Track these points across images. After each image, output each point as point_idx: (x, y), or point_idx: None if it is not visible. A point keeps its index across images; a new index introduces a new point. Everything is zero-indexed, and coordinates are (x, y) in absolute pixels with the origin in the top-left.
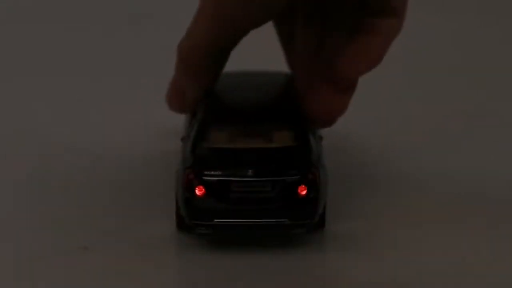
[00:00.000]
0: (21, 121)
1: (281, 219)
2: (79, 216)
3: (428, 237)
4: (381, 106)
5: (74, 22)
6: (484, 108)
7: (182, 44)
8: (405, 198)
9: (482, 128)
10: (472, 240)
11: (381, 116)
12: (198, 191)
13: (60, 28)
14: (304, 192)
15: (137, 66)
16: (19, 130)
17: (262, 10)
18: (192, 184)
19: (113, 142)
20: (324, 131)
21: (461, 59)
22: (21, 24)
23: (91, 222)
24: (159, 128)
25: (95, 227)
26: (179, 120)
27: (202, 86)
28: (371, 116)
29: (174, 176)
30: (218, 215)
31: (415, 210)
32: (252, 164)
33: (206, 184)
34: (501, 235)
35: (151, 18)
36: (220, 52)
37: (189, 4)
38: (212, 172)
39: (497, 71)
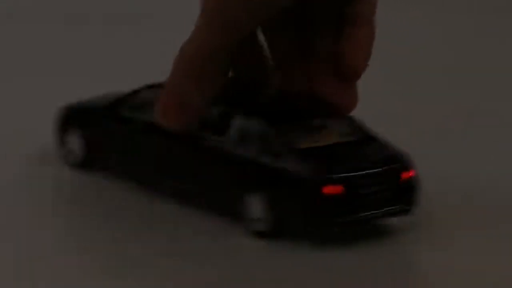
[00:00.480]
0: (21, 121)
1: (397, 206)
2: (79, 216)
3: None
4: (381, 106)
5: (74, 22)
6: (484, 108)
7: (186, 48)
8: None
9: (482, 128)
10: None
11: (381, 116)
12: (328, 191)
13: (60, 29)
14: (408, 177)
15: (137, 66)
16: (19, 130)
17: (265, 4)
18: (320, 185)
19: None
20: None
21: (462, 59)
22: (21, 24)
23: (91, 222)
24: None
25: (96, 227)
26: None
27: (212, 93)
28: (372, 116)
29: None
30: (349, 211)
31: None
32: (360, 157)
33: (335, 183)
34: (501, 234)
35: (151, 18)
36: (227, 54)
37: (189, 4)
38: (337, 170)
39: (498, 71)
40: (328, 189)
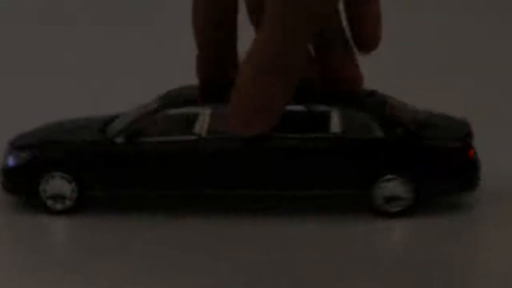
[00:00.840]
0: (21, 121)
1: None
2: (80, 215)
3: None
4: None
5: (74, 22)
6: (484, 108)
7: (252, 50)
8: None
9: (482, 128)
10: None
11: None
12: (471, 156)
13: (60, 29)
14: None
15: (138, 66)
16: (19, 130)
17: (323, 10)
18: (467, 150)
19: None
20: None
21: (462, 59)
22: (21, 24)
23: (92, 221)
24: None
25: (99, 227)
26: None
27: (290, 91)
28: None
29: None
30: (477, 173)
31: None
32: (450, 125)
33: (471, 148)
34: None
35: (151, 18)
36: (297, 54)
37: (189, 5)
38: (460, 137)
39: (498, 71)
40: (471, 154)
